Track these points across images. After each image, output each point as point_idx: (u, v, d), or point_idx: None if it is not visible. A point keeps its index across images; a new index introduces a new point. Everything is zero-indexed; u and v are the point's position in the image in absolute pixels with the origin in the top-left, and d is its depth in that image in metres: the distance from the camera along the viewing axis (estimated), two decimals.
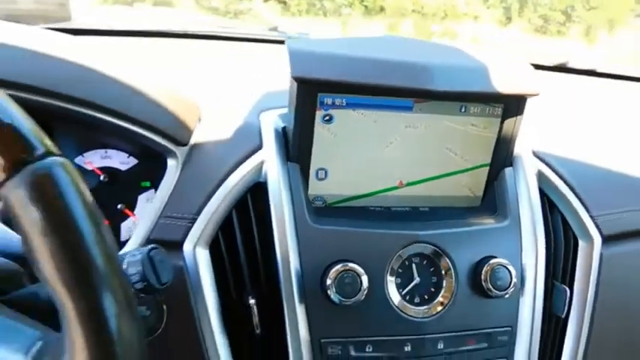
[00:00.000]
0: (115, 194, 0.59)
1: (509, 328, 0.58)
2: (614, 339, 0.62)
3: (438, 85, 0.53)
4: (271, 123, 0.57)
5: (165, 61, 0.78)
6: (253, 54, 0.98)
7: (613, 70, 1.12)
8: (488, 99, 0.58)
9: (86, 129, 0.55)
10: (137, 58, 0.68)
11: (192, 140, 0.56)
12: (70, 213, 0.26)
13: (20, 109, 0.27)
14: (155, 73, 0.57)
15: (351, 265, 0.52)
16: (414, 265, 0.56)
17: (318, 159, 0.57)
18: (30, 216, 0.25)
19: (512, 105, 0.59)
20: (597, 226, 0.62)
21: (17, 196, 0.25)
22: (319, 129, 0.55)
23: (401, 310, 0.54)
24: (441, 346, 0.55)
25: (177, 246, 0.52)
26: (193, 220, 0.52)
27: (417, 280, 0.56)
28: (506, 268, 0.55)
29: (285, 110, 0.60)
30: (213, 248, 0.54)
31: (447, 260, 0.56)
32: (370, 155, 0.58)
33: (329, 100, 0.54)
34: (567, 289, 0.60)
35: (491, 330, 0.57)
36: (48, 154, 0.26)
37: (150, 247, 0.41)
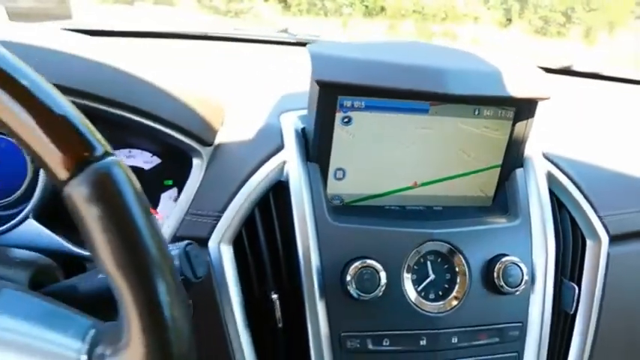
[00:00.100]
0: None
1: (520, 324, 0.60)
2: (620, 335, 0.64)
3: (453, 88, 0.55)
4: (291, 124, 0.59)
5: (182, 62, 0.80)
6: (265, 55, 1.00)
7: (617, 73, 1.14)
8: (501, 102, 0.60)
9: (113, 129, 0.56)
10: (156, 59, 0.70)
11: (217, 140, 0.58)
12: (128, 210, 0.27)
13: (78, 110, 0.28)
14: (179, 74, 0.59)
15: (369, 261, 0.54)
16: (429, 263, 0.58)
17: (336, 159, 0.59)
18: (93, 213, 0.27)
19: (524, 108, 0.61)
20: (604, 226, 0.64)
21: (81, 194, 0.27)
22: (338, 130, 0.57)
23: (417, 306, 0.56)
24: (455, 340, 0.57)
25: (202, 243, 0.54)
26: (218, 218, 0.54)
27: (432, 276, 0.58)
28: (518, 266, 0.57)
29: (303, 112, 0.61)
30: (237, 245, 0.56)
31: (461, 258, 0.58)
32: (387, 156, 0.60)
33: (348, 103, 0.56)
34: (576, 286, 0.62)
35: (503, 325, 0.59)
36: (106, 154, 0.28)
37: (186, 242, 0.43)
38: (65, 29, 0.80)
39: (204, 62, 0.82)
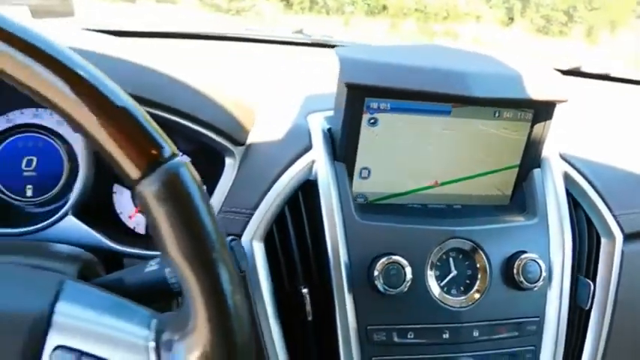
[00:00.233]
0: None
1: (537, 318, 0.62)
2: (634, 330, 0.66)
3: (475, 91, 0.57)
4: (318, 125, 0.61)
5: (204, 62, 0.82)
6: (280, 56, 1.02)
7: (626, 74, 1.16)
8: (521, 105, 0.62)
9: None
10: (181, 59, 0.72)
11: (248, 140, 0.60)
12: (195, 207, 0.30)
13: (147, 114, 0.30)
14: (211, 75, 0.61)
15: (395, 257, 0.56)
16: (451, 259, 0.60)
17: (362, 159, 0.61)
18: (163, 210, 0.29)
19: (542, 110, 0.63)
20: (619, 225, 0.66)
21: (152, 192, 0.29)
22: (364, 131, 0.59)
23: (440, 301, 0.58)
24: (476, 334, 0.59)
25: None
26: (250, 215, 0.56)
27: (454, 272, 0.60)
28: (537, 263, 0.60)
29: (329, 112, 0.63)
30: (268, 241, 0.58)
31: (482, 254, 0.60)
32: (410, 156, 0.62)
33: (375, 105, 0.59)
34: (591, 283, 0.64)
35: (521, 320, 0.61)
36: (174, 155, 0.30)
37: (230, 238, 0.45)
38: (86, 29, 0.82)
39: (226, 63, 0.84)
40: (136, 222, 0.64)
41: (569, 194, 0.66)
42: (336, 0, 8.56)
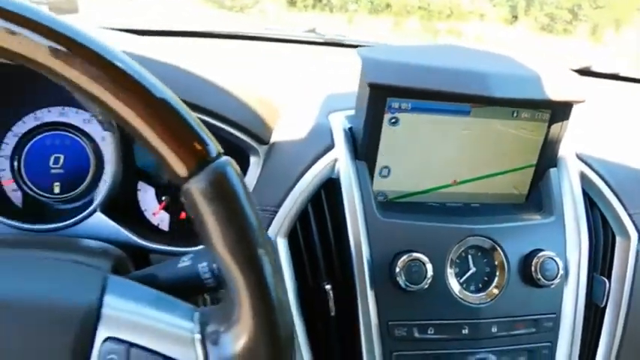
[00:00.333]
0: None
1: (554, 315, 0.63)
2: None
3: (495, 92, 0.58)
4: (340, 124, 0.63)
5: (223, 61, 0.83)
6: (296, 55, 1.03)
7: (636, 74, 1.17)
8: (539, 105, 0.63)
9: None
10: (202, 58, 0.73)
11: (272, 139, 0.61)
12: (241, 205, 0.31)
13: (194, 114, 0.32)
14: (236, 74, 0.62)
15: (416, 254, 0.57)
16: (469, 257, 0.61)
17: (382, 158, 0.62)
18: (211, 207, 0.30)
19: (560, 111, 0.64)
20: (634, 224, 0.67)
21: (200, 190, 0.30)
22: (385, 130, 0.60)
23: (459, 297, 0.60)
24: (494, 329, 0.60)
25: None
26: (274, 213, 0.57)
27: (472, 269, 0.61)
28: (554, 260, 0.61)
29: (349, 112, 0.65)
30: (291, 238, 0.59)
31: (500, 252, 0.61)
32: (429, 155, 0.63)
33: (396, 105, 0.60)
34: (606, 280, 0.66)
35: (538, 316, 0.63)
36: (220, 154, 0.31)
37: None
38: (103, 28, 0.83)
39: (243, 61, 0.85)
40: (160, 219, 0.65)
41: (585, 193, 0.67)
42: None
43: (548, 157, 0.66)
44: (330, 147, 0.61)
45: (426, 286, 0.57)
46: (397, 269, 0.56)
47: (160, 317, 0.33)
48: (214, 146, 0.31)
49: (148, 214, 0.65)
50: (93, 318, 0.32)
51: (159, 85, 0.30)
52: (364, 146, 0.60)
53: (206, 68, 0.59)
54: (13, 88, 0.61)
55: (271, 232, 0.58)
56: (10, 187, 0.61)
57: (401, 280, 0.56)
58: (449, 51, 0.65)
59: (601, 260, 0.67)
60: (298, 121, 0.63)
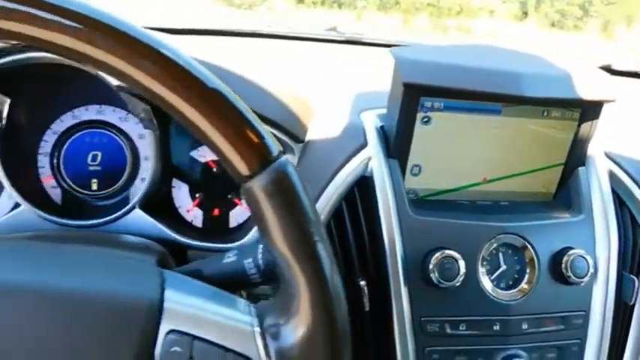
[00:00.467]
0: (226, 185, 0.65)
1: (584, 312, 0.64)
2: None
3: (527, 91, 0.59)
4: (372, 122, 0.63)
5: (251, 59, 0.83)
6: (316, 53, 1.04)
7: None
8: (569, 104, 0.64)
9: None
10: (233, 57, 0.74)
11: (307, 137, 0.62)
12: (302, 203, 0.32)
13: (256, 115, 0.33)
14: (265, 72, 0.63)
15: (448, 252, 0.58)
16: (500, 254, 0.62)
17: (414, 156, 0.63)
18: (273, 205, 0.31)
19: (590, 110, 0.64)
20: None
21: (262, 189, 0.31)
22: (418, 129, 0.61)
23: (491, 294, 0.60)
24: (524, 326, 0.61)
25: None
26: None
27: (503, 267, 0.62)
28: (584, 258, 0.61)
29: (380, 110, 0.65)
30: None
31: (531, 249, 0.62)
32: (460, 154, 0.64)
33: (429, 104, 0.60)
34: (635, 279, 0.66)
35: (568, 313, 0.63)
36: (281, 153, 0.32)
37: None
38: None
39: (271, 60, 0.86)
40: (194, 215, 0.67)
41: (614, 192, 0.68)
42: None
43: (577, 155, 0.67)
44: (363, 145, 0.61)
45: (459, 283, 0.58)
46: (430, 266, 0.57)
47: (220, 311, 0.34)
48: (275, 146, 0.32)
49: (182, 211, 0.66)
50: (156, 311, 0.33)
51: (229, 90, 0.31)
52: (397, 144, 0.61)
53: (240, 66, 0.60)
54: (52, 88, 0.62)
55: None
56: (49, 184, 0.63)
57: (434, 277, 0.57)
58: (481, 51, 0.66)
59: (630, 259, 0.67)
60: (331, 119, 0.64)
